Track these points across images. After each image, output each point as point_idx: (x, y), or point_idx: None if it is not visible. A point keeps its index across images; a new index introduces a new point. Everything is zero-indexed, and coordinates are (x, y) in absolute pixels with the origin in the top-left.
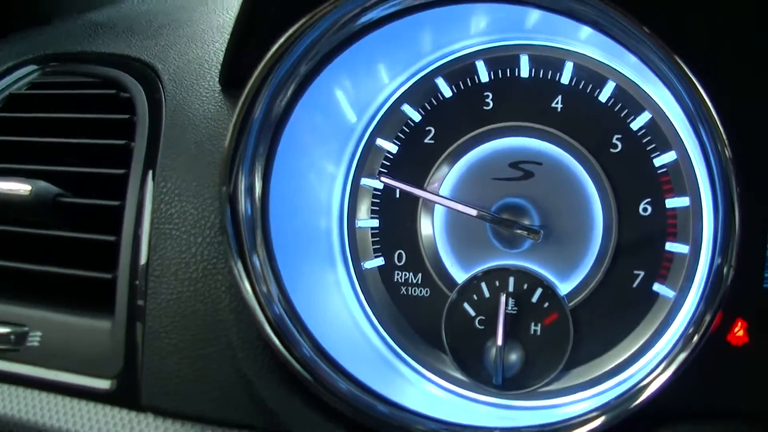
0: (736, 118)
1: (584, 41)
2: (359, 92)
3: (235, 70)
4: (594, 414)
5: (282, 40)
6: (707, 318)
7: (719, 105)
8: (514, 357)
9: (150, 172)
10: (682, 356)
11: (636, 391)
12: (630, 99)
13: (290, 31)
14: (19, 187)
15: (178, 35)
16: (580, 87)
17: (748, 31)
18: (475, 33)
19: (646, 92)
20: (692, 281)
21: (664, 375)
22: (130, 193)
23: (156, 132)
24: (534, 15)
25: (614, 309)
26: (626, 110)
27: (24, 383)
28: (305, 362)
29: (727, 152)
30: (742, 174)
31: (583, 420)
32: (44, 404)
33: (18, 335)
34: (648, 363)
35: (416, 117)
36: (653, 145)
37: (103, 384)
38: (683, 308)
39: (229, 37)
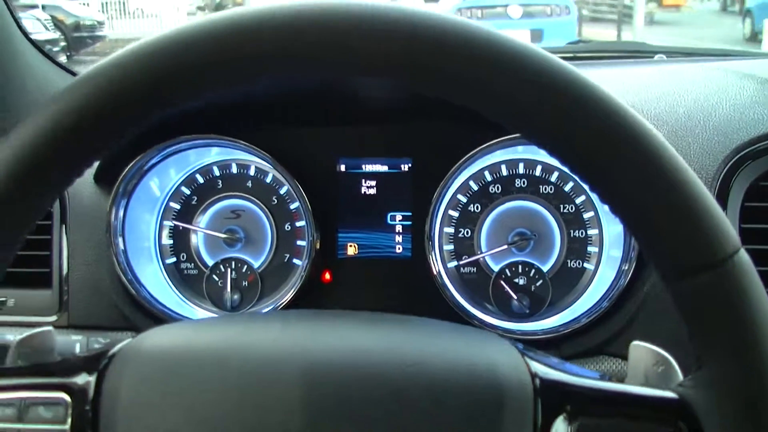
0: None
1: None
2: (162, 182)
3: (101, 176)
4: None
5: (127, 169)
6: (312, 271)
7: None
8: (236, 297)
9: (64, 226)
10: (297, 286)
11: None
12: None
13: (130, 165)
14: None
15: None
16: (259, 177)
17: None
18: (213, 155)
19: (277, 179)
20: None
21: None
22: (54, 232)
23: (64, 204)
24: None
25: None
26: (275, 184)
27: (5, 324)
28: (145, 299)
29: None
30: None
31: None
32: (18, 334)
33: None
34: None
35: (188, 192)
36: (289, 200)
37: (50, 318)
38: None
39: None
